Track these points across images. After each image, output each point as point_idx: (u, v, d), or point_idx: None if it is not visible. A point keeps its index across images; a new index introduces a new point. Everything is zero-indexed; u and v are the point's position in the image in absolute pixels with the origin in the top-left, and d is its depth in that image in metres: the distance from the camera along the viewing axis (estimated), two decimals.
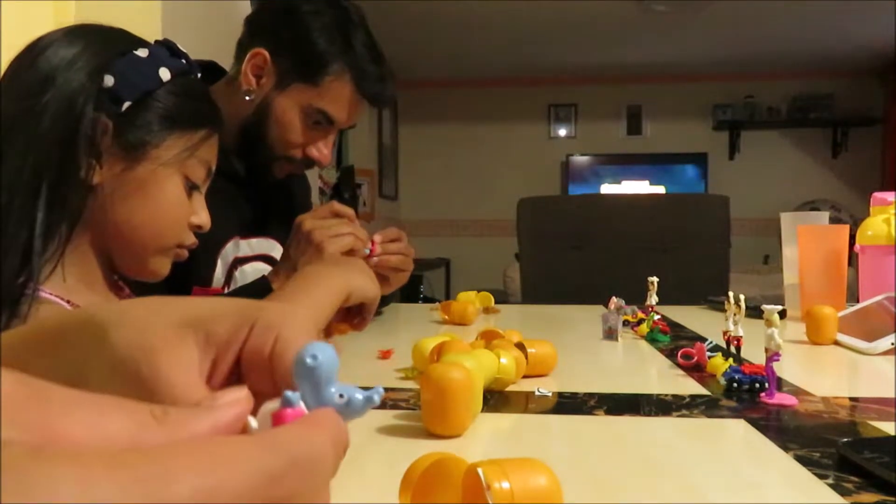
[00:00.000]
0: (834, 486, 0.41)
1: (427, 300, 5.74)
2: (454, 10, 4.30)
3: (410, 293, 5.74)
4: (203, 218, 0.73)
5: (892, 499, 0.39)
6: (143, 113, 0.66)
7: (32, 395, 0.17)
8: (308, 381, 0.23)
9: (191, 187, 0.70)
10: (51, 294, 0.62)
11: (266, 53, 1.01)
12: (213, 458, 0.16)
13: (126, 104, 0.65)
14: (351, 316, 0.72)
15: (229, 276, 1.04)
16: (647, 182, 5.91)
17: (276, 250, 1.09)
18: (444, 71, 5.79)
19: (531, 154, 6.04)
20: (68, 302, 0.62)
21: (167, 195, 0.68)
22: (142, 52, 0.67)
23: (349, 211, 0.91)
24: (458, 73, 5.83)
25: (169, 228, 0.69)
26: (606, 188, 5.92)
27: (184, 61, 0.71)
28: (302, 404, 0.22)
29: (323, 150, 1.05)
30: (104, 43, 0.67)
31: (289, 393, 0.22)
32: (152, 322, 0.27)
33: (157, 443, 0.18)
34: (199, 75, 0.75)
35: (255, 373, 0.27)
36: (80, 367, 0.28)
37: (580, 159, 5.97)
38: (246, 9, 2.71)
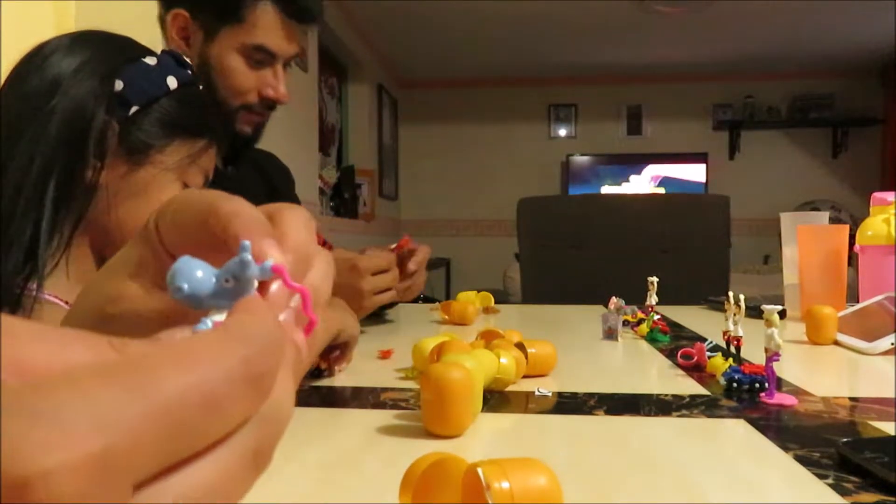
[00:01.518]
0: (834, 486, 0.41)
1: (427, 300, 5.73)
2: (454, 10, 4.30)
3: None
4: None
5: (892, 499, 0.39)
6: (149, 118, 0.68)
7: None
8: (190, 302, 0.22)
9: None
10: (51, 296, 0.62)
11: (184, 12, 1.01)
12: (193, 356, 0.17)
13: (133, 108, 0.67)
14: (328, 352, 0.71)
15: None
16: (647, 182, 5.91)
17: None
18: (444, 71, 5.79)
19: (531, 154, 6.04)
20: (67, 303, 0.62)
21: (164, 200, 0.68)
22: (150, 60, 0.70)
23: (392, 264, 0.96)
24: (458, 73, 5.83)
25: None
26: (607, 189, 5.92)
27: (189, 72, 0.73)
28: (211, 321, 0.22)
29: (278, 88, 1.03)
30: (113, 50, 0.69)
31: (198, 325, 0.22)
32: (100, 278, 0.29)
33: None
34: (202, 87, 0.76)
35: (184, 246, 0.26)
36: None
37: (580, 159, 5.97)
38: None
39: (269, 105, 1.05)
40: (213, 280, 0.22)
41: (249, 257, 0.22)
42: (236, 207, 0.24)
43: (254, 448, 0.19)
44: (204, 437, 0.17)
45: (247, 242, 0.22)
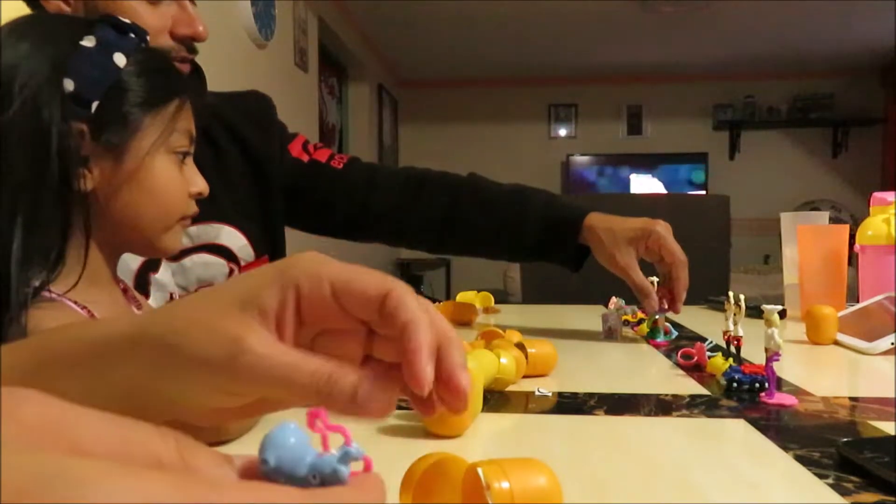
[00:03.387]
0: (834, 486, 0.41)
1: (427, 300, 5.71)
2: (454, 10, 4.30)
3: None
4: (200, 185, 0.72)
5: (892, 499, 0.39)
6: (114, 107, 0.63)
7: (61, 419, 0.18)
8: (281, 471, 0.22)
9: (182, 156, 0.70)
10: (58, 295, 0.61)
11: None
12: (255, 494, 0.17)
13: (94, 104, 0.62)
14: None
15: (143, 284, 0.89)
16: (647, 182, 5.91)
17: (223, 236, 0.95)
18: (444, 71, 5.79)
19: (531, 154, 6.04)
20: (76, 303, 0.62)
21: (160, 178, 0.67)
22: (89, 42, 0.63)
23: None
24: (458, 73, 5.83)
25: (170, 206, 0.69)
26: (606, 189, 5.92)
27: (133, 35, 0.66)
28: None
29: (193, 23, 0.88)
30: (50, 42, 0.62)
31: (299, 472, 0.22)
32: (212, 318, 0.28)
33: None
34: (147, 38, 0.69)
35: (327, 316, 0.29)
36: (132, 386, 0.29)
37: (580, 159, 5.97)
38: (246, 8, 2.72)
39: (188, 46, 0.89)
40: (305, 469, 0.22)
41: (346, 471, 0.22)
42: (411, 302, 0.29)
43: None
44: None
45: (351, 449, 0.22)
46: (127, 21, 0.67)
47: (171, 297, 0.92)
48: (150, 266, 0.90)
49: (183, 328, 0.29)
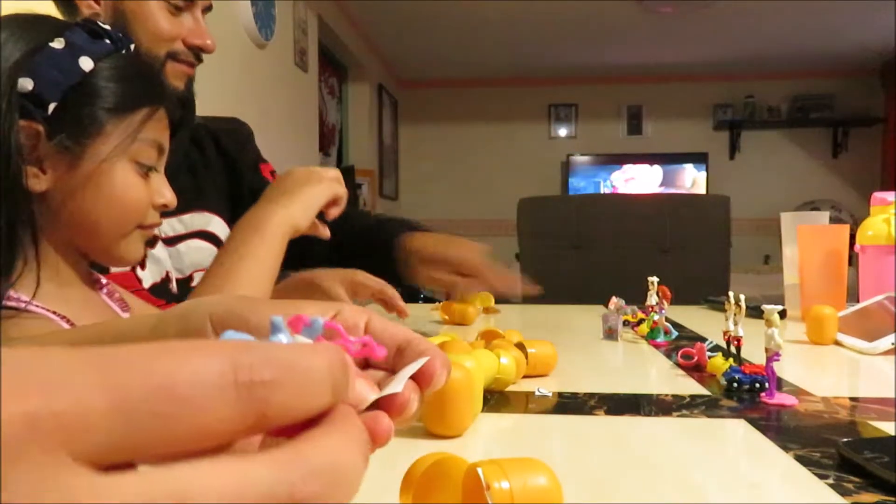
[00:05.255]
0: (834, 486, 0.41)
1: (427, 300, 5.73)
2: (454, 10, 4.30)
3: (411, 293, 5.74)
4: (168, 196, 0.71)
5: (892, 499, 0.39)
6: (72, 110, 0.63)
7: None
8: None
9: (146, 170, 0.69)
10: (36, 305, 0.61)
11: None
12: (173, 353, 0.17)
13: (51, 105, 0.61)
14: None
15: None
16: (647, 182, 5.91)
17: (213, 224, 1.05)
18: (444, 71, 5.79)
19: (531, 154, 6.04)
20: (55, 313, 0.62)
21: (117, 184, 0.66)
22: (57, 44, 0.63)
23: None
24: (458, 73, 5.83)
25: (125, 214, 0.67)
26: (607, 188, 5.92)
27: (108, 41, 0.66)
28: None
29: (204, 35, 0.99)
30: (17, 40, 0.62)
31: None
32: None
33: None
34: (133, 47, 0.70)
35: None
36: None
37: (580, 159, 5.97)
38: (247, 9, 2.72)
39: (197, 55, 1.00)
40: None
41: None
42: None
43: (287, 491, 0.17)
44: (173, 435, 0.16)
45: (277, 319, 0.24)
46: (106, 27, 0.67)
47: (167, 276, 0.99)
48: (147, 243, 0.95)
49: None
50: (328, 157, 4.59)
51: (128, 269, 0.93)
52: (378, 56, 5.28)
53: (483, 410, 0.58)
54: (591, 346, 0.95)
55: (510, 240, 2.81)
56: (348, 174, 4.54)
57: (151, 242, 0.95)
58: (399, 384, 0.27)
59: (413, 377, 0.28)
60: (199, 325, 0.30)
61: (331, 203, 0.91)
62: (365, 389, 0.26)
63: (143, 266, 0.95)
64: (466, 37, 4.86)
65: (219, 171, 1.12)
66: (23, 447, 0.14)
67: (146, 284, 0.96)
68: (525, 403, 0.62)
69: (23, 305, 0.60)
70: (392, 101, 5.81)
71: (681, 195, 5.16)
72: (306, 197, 0.87)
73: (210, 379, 0.17)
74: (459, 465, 0.34)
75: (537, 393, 0.65)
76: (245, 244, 0.81)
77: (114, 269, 0.87)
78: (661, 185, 5.90)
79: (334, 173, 0.92)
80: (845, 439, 0.47)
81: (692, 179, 5.85)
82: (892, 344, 0.86)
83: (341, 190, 0.92)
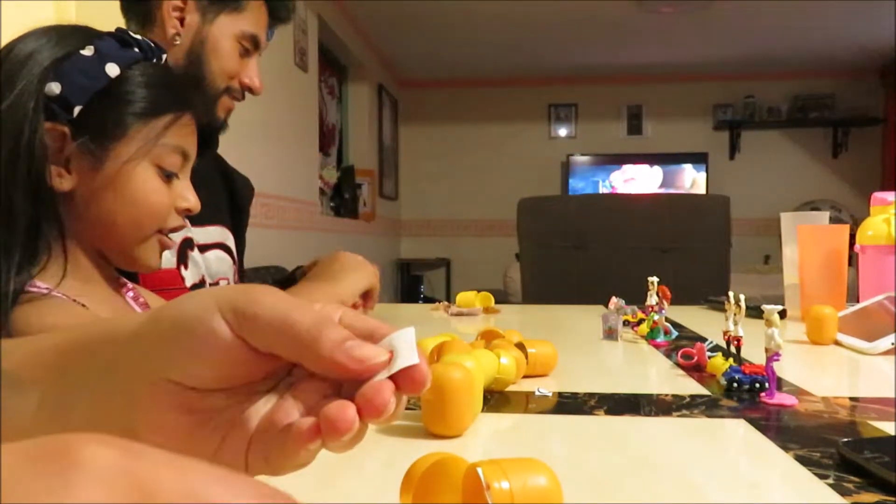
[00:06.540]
0: (834, 486, 0.41)
1: (427, 300, 5.74)
2: (454, 11, 4.31)
3: (410, 293, 5.74)
4: (192, 200, 0.72)
5: (892, 499, 0.39)
6: (97, 113, 0.65)
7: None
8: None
9: (167, 175, 0.70)
10: (47, 289, 0.62)
11: None
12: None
13: (77, 109, 0.64)
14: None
15: (183, 257, 1.03)
16: (647, 182, 5.91)
17: (229, 240, 1.13)
18: (444, 71, 5.79)
19: (531, 154, 6.05)
20: (75, 300, 0.63)
21: (138, 187, 0.67)
22: (87, 51, 0.66)
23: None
24: (458, 73, 5.83)
25: (144, 217, 0.69)
26: (607, 188, 5.93)
27: (137, 49, 0.69)
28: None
29: (255, 79, 1.10)
30: (53, 46, 0.66)
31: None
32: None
33: None
34: (164, 57, 0.73)
35: None
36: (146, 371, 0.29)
37: (580, 159, 5.97)
38: None
39: (242, 94, 1.11)
40: None
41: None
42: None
43: None
44: None
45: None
46: (137, 36, 0.70)
47: (203, 279, 1.04)
48: (188, 244, 1.03)
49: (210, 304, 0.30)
50: (328, 157, 4.59)
51: (173, 266, 0.99)
52: (378, 56, 5.28)
53: (483, 410, 0.58)
54: (591, 346, 0.95)
55: (510, 240, 2.82)
56: (348, 174, 4.55)
57: (189, 245, 1.00)
58: (412, 354, 0.30)
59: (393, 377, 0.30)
60: (200, 310, 0.29)
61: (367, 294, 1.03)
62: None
63: (185, 266, 1.00)
64: (466, 37, 4.86)
65: (229, 199, 1.20)
66: None
67: (188, 283, 1.00)
68: (525, 403, 0.62)
69: (45, 292, 0.61)
70: (392, 101, 5.81)
71: (681, 195, 5.16)
72: (351, 281, 1.00)
73: None
74: (459, 465, 0.34)
75: (537, 393, 0.65)
76: None
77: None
78: (661, 185, 5.90)
79: (374, 267, 1.05)
80: (845, 439, 0.47)
81: (692, 180, 5.85)
82: (892, 344, 0.86)
83: (376, 283, 1.04)
